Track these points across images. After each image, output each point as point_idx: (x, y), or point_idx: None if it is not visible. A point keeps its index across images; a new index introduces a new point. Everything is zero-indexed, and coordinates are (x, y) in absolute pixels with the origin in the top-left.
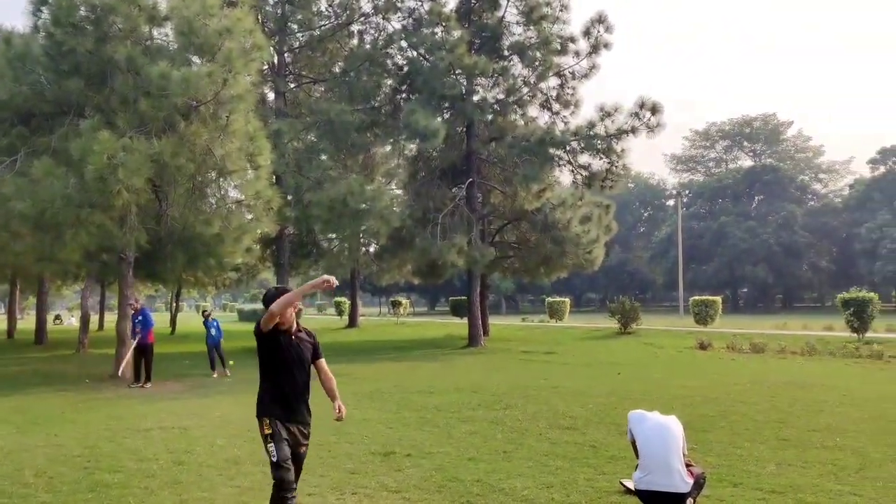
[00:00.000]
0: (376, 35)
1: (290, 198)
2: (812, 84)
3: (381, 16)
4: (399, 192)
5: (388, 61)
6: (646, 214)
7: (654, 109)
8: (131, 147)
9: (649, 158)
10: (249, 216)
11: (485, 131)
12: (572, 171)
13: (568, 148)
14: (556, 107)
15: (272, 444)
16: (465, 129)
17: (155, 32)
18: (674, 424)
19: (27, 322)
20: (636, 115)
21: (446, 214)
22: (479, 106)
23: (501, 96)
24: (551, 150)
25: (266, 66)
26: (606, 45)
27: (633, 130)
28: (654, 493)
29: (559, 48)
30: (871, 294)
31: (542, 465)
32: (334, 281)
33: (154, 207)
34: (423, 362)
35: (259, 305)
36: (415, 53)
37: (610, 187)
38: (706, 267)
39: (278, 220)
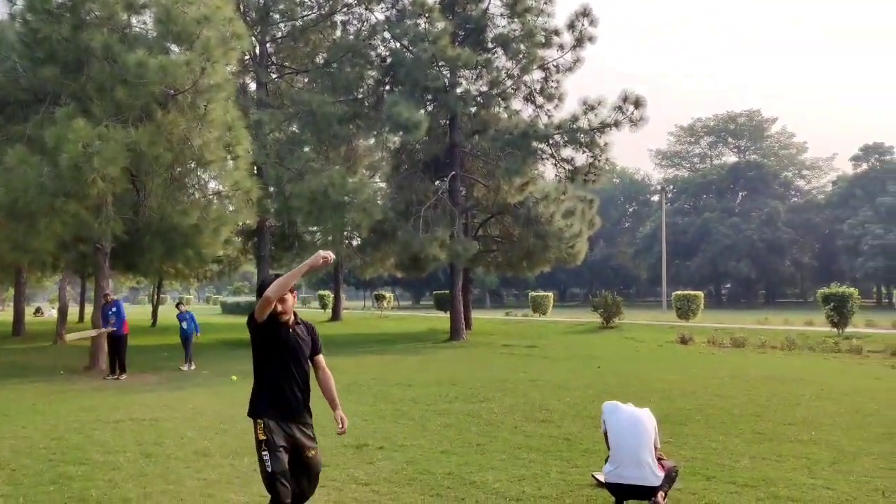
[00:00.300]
0: (359, 26)
1: (272, 189)
2: (797, 77)
3: (364, 6)
4: (383, 185)
5: (372, 52)
6: (630, 210)
7: (638, 103)
8: (107, 135)
9: (634, 153)
10: (228, 207)
11: (468, 124)
12: (555, 164)
13: (551, 141)
14: (539, 100)
15: (266, 453)
16: (448, 122)
17: (133, 20)
18: (646, 417)
19: (5, 314)
20: (619, 108)
21: (429, 207)
22: (463, 98)
23: (485, 89)
24: (534, 144)
25: (248, 57)
26: (591, 39)
27: (617, 124)
28: (624, 486)
29: (543, 41)
30: (852, 290)
31: (515, 458)
32: (331, 256)
33: (132, 197)
34: (404, 355)
35: (242, 298)
36: (398, 45)
37: (593, 181)
38: (690, 262)
39: (259, 212)
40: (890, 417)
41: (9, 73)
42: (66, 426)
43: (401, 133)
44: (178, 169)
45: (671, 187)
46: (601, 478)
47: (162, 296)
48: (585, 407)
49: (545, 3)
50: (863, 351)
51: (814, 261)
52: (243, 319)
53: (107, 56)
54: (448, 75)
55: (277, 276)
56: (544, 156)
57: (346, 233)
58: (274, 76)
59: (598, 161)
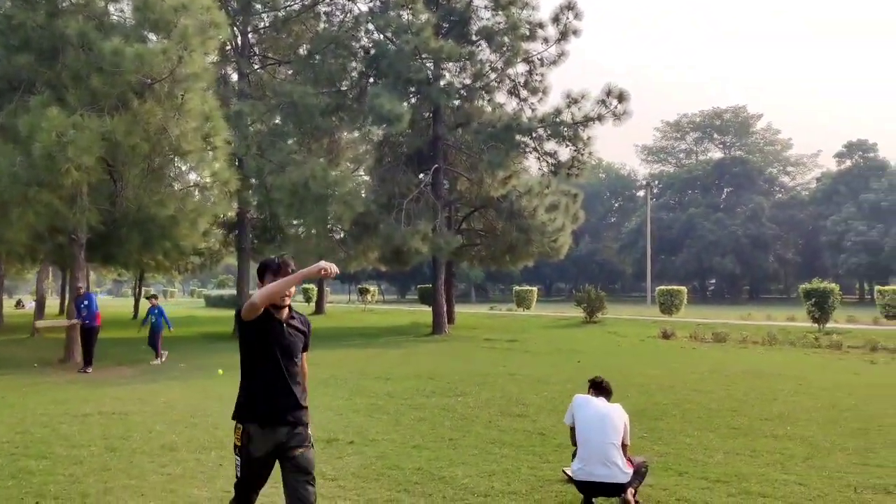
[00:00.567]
0: (343, 17)
1: (253, 181)
2: (778, 69)
3: None
4: (366, 178)
5: (355, 44)
6: (616, 205)
7: (621, 97)
8: (82, 125)
9: (621, 149)
10: (206, 198)
11: (451, 117)
12: (539, 158)
13: (534, 135)
14: (524, 93)
15: (239, 459)
16: (431, 115)
17: (110, 8)
18: (616, 414)
19: None
20: (603, 102)
21: (411, 200)
22: (446, 91)
23: (468, 81)
24: (518, 137)
25: (229, 47)
26: (576, 32)
27: (600, 118)
28: (592, 484)
29: (528, 34)
30: (833, 285)
31: (487, 453)
32: (333, 269)
33: (108, 188)
34: (384, 349)
35: (226, 291)
36: (381, 36)
37: (576, 175)
38: (675, 258)
39: (239, 204)
40: (866, 412)
41: None
42: (33, 420)
43: (383, 125)
44: (156, 159)
45: (656, 183)
46: (571, 474)
47: (146, 288)
48: (563, 401)
49: None
50: (843, 346)
51: (797, 257)
52: (227, 313)
53: (82, 44)
54: (431, 68)
55: (280, 261)
56: (528, 149)
57: (329, 226)
58: (256, 67)
59: (582, 155)
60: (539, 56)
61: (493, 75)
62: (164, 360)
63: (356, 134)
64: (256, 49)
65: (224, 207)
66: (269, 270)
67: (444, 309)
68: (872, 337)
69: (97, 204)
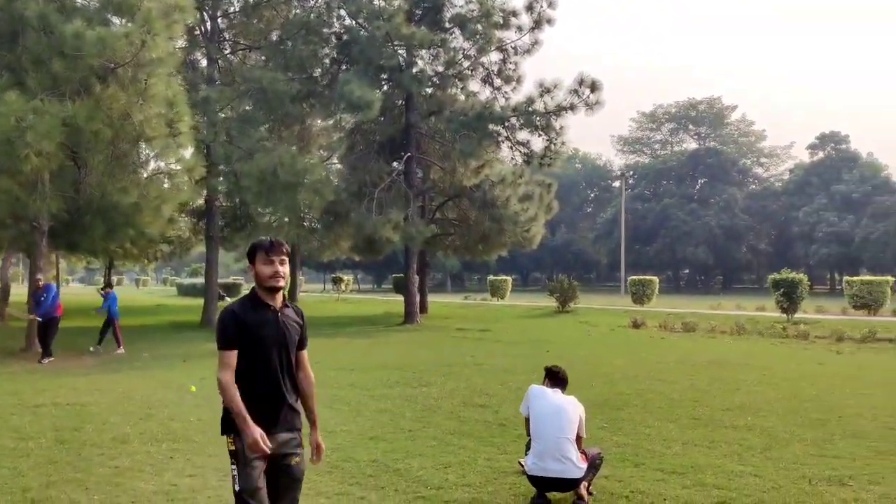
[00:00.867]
0: (314, 2)
1: (222, 168)
2: (746, 56)
3: None
4: (340, 166)
5: (326, 30)
6: (592, 195)
7: (594, 87)
8: (42, 109)
9: (597, 139)
10: (171, 185)
11: (424, 105)
12: (511, 147)
13: (507, 124)
14: (497, 82)
15: (235, 468)
16: (403, 103)
17: None
18: (571, 407)
19: None
20: (575, 91)
21: (383, 189)
22: (418, 78)
23: (441, 69)
24: (490, 126)
25: (198, 32)
26: (549, 21)
27: (573, 107)
28: (546, 479)
29: (501, 22)
30: (801, 276)
31: (446, 444)
32: (263, 450)
33: (72, 174)
34: (354, 339)
35: (199, 280)
36: (353, 22)
37: (549, 165)
38: (649, 248)
39: (208, 192)
40: (827, 403)
41: None
42: None
43: (354, 112)
44: (120, 146)
45: (631, 173)
46: (525, 469)
47: (119, 276)
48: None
49: None
50: (809, 336)
51: (770, 247)
52: (199, 301)
53: (43, 27)
54: (404, 55)
55: (272, 243)
56: (500, 139)
57: (301, 214)
58: (227, 52)
59: (555, 144)
60: (513, 44)
61: (466, 63)
62: (96, 350)
63: (330, 122)
64: (227, 34)
65: (189, 195)
66: (260, 250)
67: (416, 298)
68: (839, 327)
69: (61, 191)
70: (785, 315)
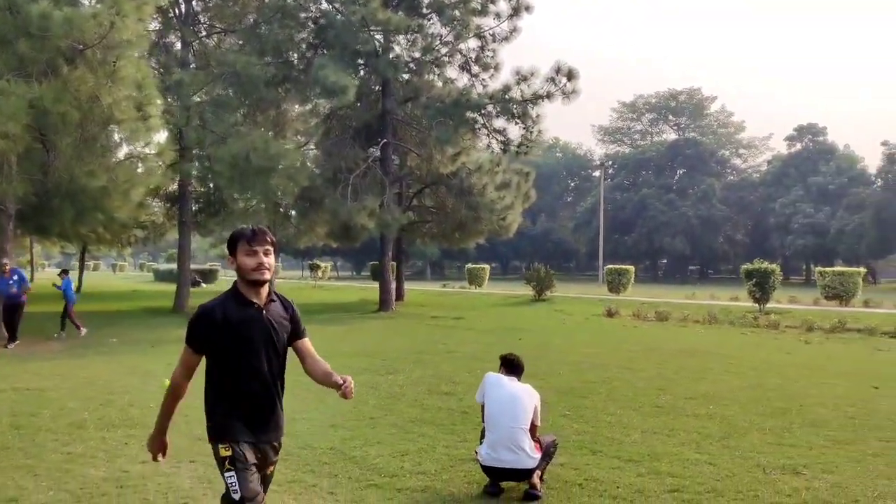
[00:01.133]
0: None
1: (196, 153)
2: (718, 48)
3: None
4: (317, 152)
5: (302, 14)
6: (572, 185)
7: (571, 75)
8: (8, 90)
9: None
10: (139, 169)
11: (401, 91)
12: (487, 135)
13: (483, 112)
14: (475, 69)
15: (232, 473)
16: (380, 89)
17: None
18: (526, 396)
19: None
20: (552, 80)
21: (358, 175)
22: (394, 64)
23: (418, 55)
24: (467, 114)
25: (173, 14)
26: (528, 8)
27: (549, 96)
28: (500, 470)
29: (479, 8)
30: (773, 266)
31: (406, 432)
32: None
33: (41, 157)
34: (327, 326)
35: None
36: (330, 6)
37: (525, 153)
38: (628, 238)
39: (181, 176)
40: (790, 392)
41: None
42: None
43: (329, 97)
44: (89, 128)
45: (610, 163)
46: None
47: (96, 262)
48: None
49: None
50: (780, 326)
51: (746, 238)
52: (174, 287)
53: (8, 6)
54: (381, 40)
55: (255, 232)
56: (477, 126)
57: (276, 200)
58: (202, 35)
59: (531, 133)
60: (491, 31)
61: (443, 50)
62: (60, 336)
63: (308, 107)
64: (202, 17)
65: (159, 179)
66: (241, 240)
67: (392, 286)
68: (809, 317)
69: (28, 174)
70: (757, 305)
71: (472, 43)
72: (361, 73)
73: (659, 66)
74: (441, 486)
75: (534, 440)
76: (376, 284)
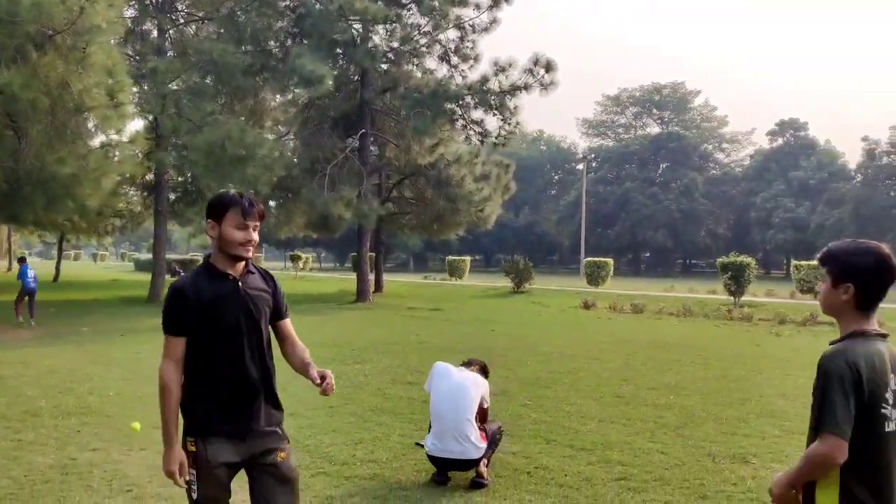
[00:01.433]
0: None
1: (173, 141)
2: (706, 41)
3: None
4: (296, 141)
5: (281, 2)
6: (556, 177)
7: (549, 67)
8: None
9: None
10: (111, 157)
11: (379, 81)
12: (465, 126)
13: (461, 102)
14: (454, 60)
15: (193, 472)
16: (359, 78)
17: None
18: (472, 387)
19: None
20: (530, 71)
21: (336, 166)
22: (371, 54)
23: (397, 45)
24: (446, 105)
25: (149, 2)
26: (508, 0)
27: (527, 87)
28: (446, 460)
29: None
30: (749, 259)
31: (364, 421)
32: (178, 482)
33: (12, 144)
34: (303, 317)
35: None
36: None
37: (503, 144)
38: (610, 231)
39: (156, 165)
40: (752, 383)
41: None
42: None
43: (306, 87)
44: (59, 115)
45: (594, 156)
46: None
47: (77, 251)
48: None
49: None
50: (753, 319)
51: (728, 232)
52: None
53: None
54: (359, 29)
55: (239, 197)
56: (455, 117)
57: (255, 189)
58: (180, 23)
59: (509, 124)
60: (471, 22)
61: (422, 40)
62: (21, 320)
63: (289, 97)
64: (179, 5)
65: (131, 167)
66: (233, 208)
67: (368, 276)
68: (782, 310)
69: (0, 161)
70: (733, 298)
71: (452, 34)
72: (340, 62)
73: (645, 59)
74: (390, 474)
75: (481, 426)
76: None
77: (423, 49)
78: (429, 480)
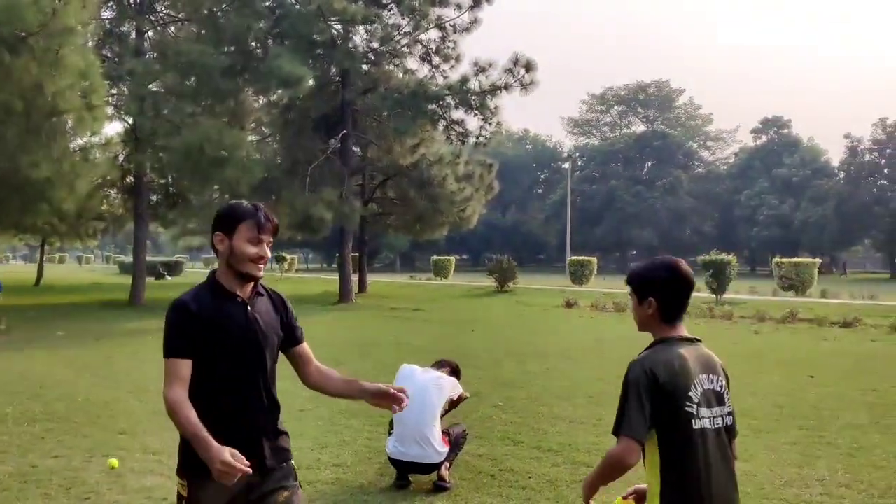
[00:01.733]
0: None
1: (157, 143)
2: (691, 34)
3: None
4: (276, 143)
5: (260, 3)
6: (542, 177)
7: (529, 67)
8: None
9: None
10: (87, 160)
11: (360, 82)
12: (446, 126)
13: (442, 103)
14: (436, 60)
15: None
16: (339, 79)
17: None
18: (435, 389)
19: None
20: (510, 71)
21: (317, 167)
22: (351, 54)
23: (377, 45)
24: (426, 105)
25: (127, 3)
26: (489, 0)
27: (507, 87)
28: (407, 463)
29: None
30: (730, 257)
31: (332, 424)
32: (242, 469)
33: None
34: None
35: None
36: None
37: (484, 145)
38: (597, 229)
39: (135, 167)
40: None
41: None
42: None
43: (285, 88)
44: (34, 118)
45: (579, 155)
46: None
47: (62, 254)
48: None
49: None
50: (733, 316)
51: (714, 229)
52: None
53: None
54: (340, 30)
55: (254, 209)
56: (436, 117)
57: (234, 191)
58: (158, 25)
59: (489, 124)
60: (451, 22)
61: (403, 41)
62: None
63: (272, 98)
64: (157, 6)
65: (107, 170)
66: (247, 220)
67: (350, 277)
68: (763, 308)
69: None
70: (714, 296)
71: (433, 34)
72: (321, 63)
73: (631, 58)
74: (352, 478)
75: (445, 430)
76: None
77: (404, 49)
78: (391, 485)
